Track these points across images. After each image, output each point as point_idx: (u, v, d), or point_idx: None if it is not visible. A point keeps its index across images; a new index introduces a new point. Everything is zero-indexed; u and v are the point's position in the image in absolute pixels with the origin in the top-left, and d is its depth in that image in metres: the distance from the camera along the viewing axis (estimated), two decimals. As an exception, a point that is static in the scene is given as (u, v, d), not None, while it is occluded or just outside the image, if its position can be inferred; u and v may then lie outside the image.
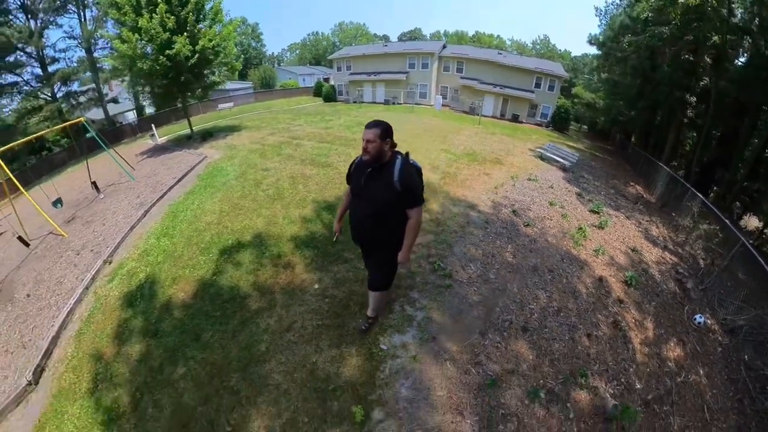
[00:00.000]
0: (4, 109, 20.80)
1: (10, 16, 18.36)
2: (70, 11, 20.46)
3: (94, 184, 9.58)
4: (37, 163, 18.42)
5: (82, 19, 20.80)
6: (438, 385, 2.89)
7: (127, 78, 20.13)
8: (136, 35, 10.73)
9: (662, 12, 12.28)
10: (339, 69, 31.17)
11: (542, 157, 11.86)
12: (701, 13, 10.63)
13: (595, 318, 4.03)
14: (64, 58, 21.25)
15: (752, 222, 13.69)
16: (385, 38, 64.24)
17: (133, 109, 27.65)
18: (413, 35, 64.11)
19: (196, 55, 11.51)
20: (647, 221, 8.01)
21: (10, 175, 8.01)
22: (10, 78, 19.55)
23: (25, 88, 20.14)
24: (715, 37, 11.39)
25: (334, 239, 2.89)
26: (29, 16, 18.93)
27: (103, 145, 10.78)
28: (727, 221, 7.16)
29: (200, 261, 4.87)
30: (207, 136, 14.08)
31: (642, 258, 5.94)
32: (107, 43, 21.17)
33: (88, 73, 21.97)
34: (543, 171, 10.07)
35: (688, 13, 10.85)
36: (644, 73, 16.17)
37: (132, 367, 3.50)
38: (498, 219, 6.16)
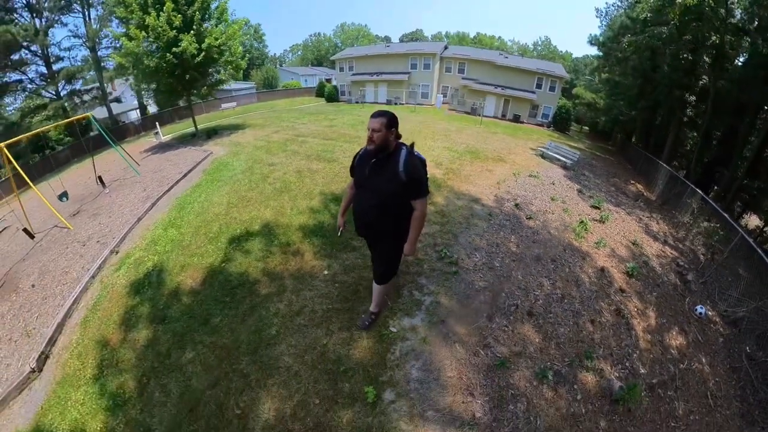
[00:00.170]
0: (7, 108, 20.88)
1: (15, 15, 18.53)
2: (75, 10, 20.62)
3: (99, 178, 9.68)
4: (40, 161, 18.54)
5: (87, 19, 20.97)
6: (448, 366, 2.95)
7: (131, 76, 20.37)
8: (144, 33, 10.85)
9: (661, 12, 12.42)
10: (341, 69, 31.34)
11: (543, 156, 11.97)
12: (699, 13, 10.75)
13: (598, 305, 4.11)
14: (69, 57, 21.49)
15: (753, 221, 13.79)
16: (387, 39, 64.53)
17: (136, 108, 27.79)
18: (414, 36, 64.40)
19: (203, 54, 11.65)
20: (648, 217, 8.09)
21: (18, 169, 8.13)
22: (14, 76, 19.71)
23: (29, 86, 20.26)
24: (714, 37, 11.51)
25: (339, 233, 2.90)
26: (34, 15, 19.09)
27: (110, 140, 10.89)
28: (725, 215, 7.25)
29: (209, 249, 4.93)
30: (212, 133, 14.19)
31: (643, 251, 6.02)
32: (111, 43, 21.39)
33: (92, 72, 22.13)
34: (544, 169, 10.17)
35: (687, 13, 10.97)
36: (644, 73, 16.30)
37: (139, 352, 3.52)
38: (501, 212, 6.25)
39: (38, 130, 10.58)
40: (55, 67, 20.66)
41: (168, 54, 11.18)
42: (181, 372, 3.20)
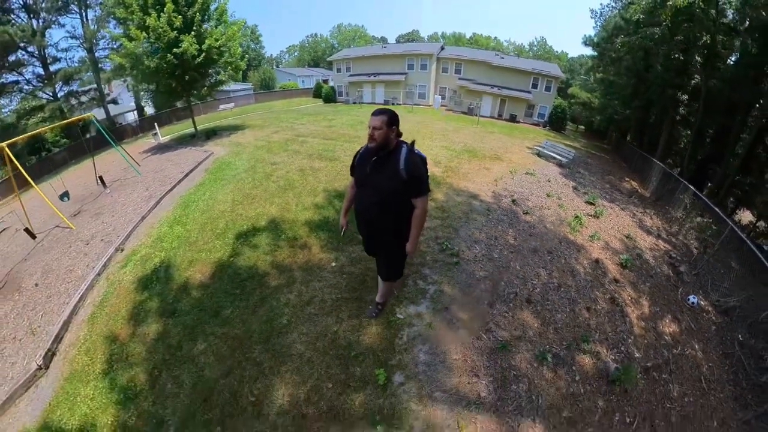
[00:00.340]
0: (3, 109, 20.73)
1: (12, 15, 18.48)
2: (73, 11, 20.60)
3: (100, 178, 9.68)
4: (37, 162, 18.48)
5: (85, 20, 20.96)
6: (453, 349, 3.11)
7: (129, 78, 20.35)
8: (144, 33, 10.92)
9: (653, 14, 12.69)
10: (339, 70, 31.46)
11: (539, 154, 12.19)
12: (690, 14, 11.02)
13: (593, 294, 4.30)
14: (66, 58, 21.40)
15: (746, 216, 14.10)
16: (383, 40, 64.75)
17: (133, 110, 27.75)
18: (411, 37, 64.69)
19: (203, 54, 11.74)
20: (641, 213, 8.32)
21: (21, 169, 8.09)
22: (11, 77, 19.60)
23: (26, 87, 20.14)
24: (705, 37, 11.80)
25: (342, 233, 2.91)
26: (31, 16, 19.04)
27: (111, 141, 10.95)
28: (716, 209, 7.48)
29: (216, 245, 5.04)
30: (211, 134, 14.26)
31: (636, 244, 6.23)
32: (108, 44, 21.40)
33: (89, 73, 22.08)
34: (540, 167, 10.38)
35: (678, 14, 11.22)
36: (638, 73, 16.61)
37: (149, 346, 3.54)
38: (499, 207, 6.44)
39: (40, 129, 10.62)
40: (52, 68, 20.59)
41: (169, 55, 11.25)
42: (193, 363, 3.25)
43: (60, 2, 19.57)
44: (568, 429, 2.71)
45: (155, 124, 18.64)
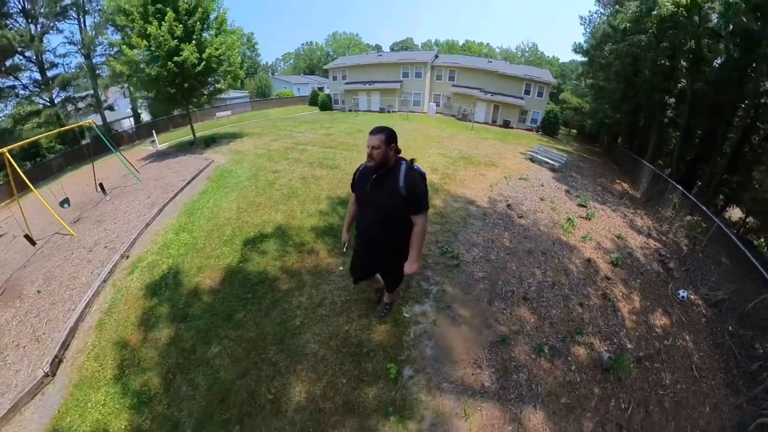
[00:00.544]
0: None
1: (10, 20, 18.52)
2: (71, 17, 20.71)
3: (100, 185, 9.68)
4: (32, 168, 18.37)
5: (83, 26, 21.10)
6: (457, 344, 3.33)
7: (126, 84, 20.45)
8: (145, 41, 11.11)
9: (639, 21, 13.24)
10: (335, 78, 31.92)
11: (533, 159, 12.56)
12: (675, 21, 11.53)
13: (585, 291, 4.55)
14: (63, 64, 21.39)
15: (735, 213, 14.52)
16: (378, 48, 65.72)
17: (130, 117, 27.81)
18: (405, 45, 65.70)
19: (203, 63, 11.97)
20: (632, 213, 8.65)
21: (21, 174, 7.89)
22: (8, 82, 19.49)
23: (22, 92, 20.03)
24: (691, 43, 12.31)
25: (344, 249, 2.92)
26: (29, 21, 19.11)
27: (111, 147, 11.05)
28: (702, 207, 7.81)
29: (224, 251, 5.18)
30: (210, 142, 14.43)
31: (627, 244, 6.52)
32: (105, 50, 21.57)
33: (86, 79, 22.15)
34: (534, 171, 10.71)
35: (663, 22, 11.74)
36: (626, 78, 17.18)
37: (161, 350, 3.57)
38: (494, 212, 6.71)
39: (43, 135, 10.67)
40: (49, 74, 20.61)
41: (169, 63, 11.44)
42: (208, 366, 3.30)
43: (58, 8, 19.70)
44: (567, 415, 2.92)
45: (153, 131, 18.75)
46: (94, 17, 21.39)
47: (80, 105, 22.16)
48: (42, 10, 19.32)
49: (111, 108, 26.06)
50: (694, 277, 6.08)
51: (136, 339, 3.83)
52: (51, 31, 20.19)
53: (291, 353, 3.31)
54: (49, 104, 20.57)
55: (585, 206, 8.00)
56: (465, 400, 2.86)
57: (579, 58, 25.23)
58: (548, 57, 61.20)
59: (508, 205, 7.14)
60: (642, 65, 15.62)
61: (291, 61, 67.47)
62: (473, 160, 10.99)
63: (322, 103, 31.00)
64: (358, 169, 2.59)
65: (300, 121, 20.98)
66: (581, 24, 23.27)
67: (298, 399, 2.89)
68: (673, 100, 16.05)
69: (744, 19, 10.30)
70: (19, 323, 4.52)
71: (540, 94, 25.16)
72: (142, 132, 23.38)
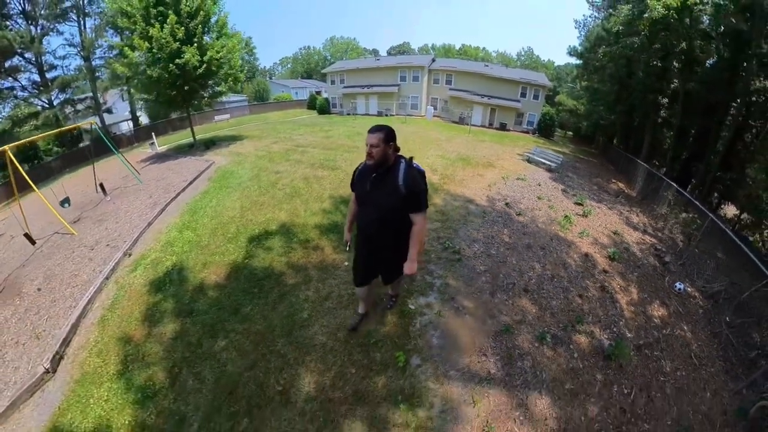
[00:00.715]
0: None
1: (10, 21, 18.52)
2: (71, 19, 20.77)
3: (101, 185, 9.66)
4: (29, 170, 18.29)
5: (83, 28, 21.19)
6: (462, 333, 3.41)
7: (125, 87, 20.46)
8: (147, 43, 11.21)
9: (632, 24, 13.54)
10: (333, 82, 32.15)
11: (530, 160, 12.74)
12: (666, 23, 11.82)
13: (584, 283, 4.67)
14: (62, 66, 21.42)
15: (730, 210, 14.76)
16: (375, 52, 66.23)
17: (128, 120, 27.82)
18: (402, 49, 66.36)
19: (204, 65, 12.08)
20: (628, 211, 8.81)
21: (23, 173, 7.92)
22: (7, 83, 19.42)
23: (20, 93, 19.97)
24: (683, 44, 12.60)
25: (347, 248, 2.96)
26: (30, 22, 19.15)
27: (113, 148, 11.09)
28: (696, 202, 7.97)
29: (229, 248, 5.23)
30: (210, 144, 14.51)
31: (623, 239, 6.65)
32: (105, 53, 21.66)
33: (85, 82, 22.18)
34: (531, 172, 10.88)
35: (655, 24, 12.02)
36: (620, 79, 17.50)
37: (166, 345, 3.54)
38: (493, 210, 6.84)
39: (43, 134, 10.64)
40: (48, 76, 20.61)
41: (171, 65, 11.52)
42: (215, 359, 3.29)
43: (59, 10, 19.77)
44: (572, 400, 3.00)
45: (152, 133, 18.78)
46: (94, 20, 21.50)
47: (79, 107, 22.19)
48: (42, 12, 19.38)
49: (109, 111, 26.05)
50: (690, 270, 6.22)
51: (140, 334, 3.80)
52: (51, 33, 20.26)
53: (299, 345, 3.35)
54: (47, 106, 20.57)
55: (581, 204, 8.15)
56: (472, 387, 2.94)
57: (574, 61, 25.69)
58: (544, 60, 62.01)
59: (507, 204, 7.27)
60: (635, 67, 15.93)
61: (289, 66, 67.88)
62: (471, 161, 11.14)
63: (321, 106, 31.19)
64: (357, 168, 2.59)
65: (299, 124, 21.12)
66: (576, 28, 23.71)
67: (308, 389, 2.92)
68: (666, 100, 16.34)
69: (733, 20, 10.59)
70: (18, 321, 4.45)
71: (536, 97, 25.50)
72: (140, 135, 23.41)
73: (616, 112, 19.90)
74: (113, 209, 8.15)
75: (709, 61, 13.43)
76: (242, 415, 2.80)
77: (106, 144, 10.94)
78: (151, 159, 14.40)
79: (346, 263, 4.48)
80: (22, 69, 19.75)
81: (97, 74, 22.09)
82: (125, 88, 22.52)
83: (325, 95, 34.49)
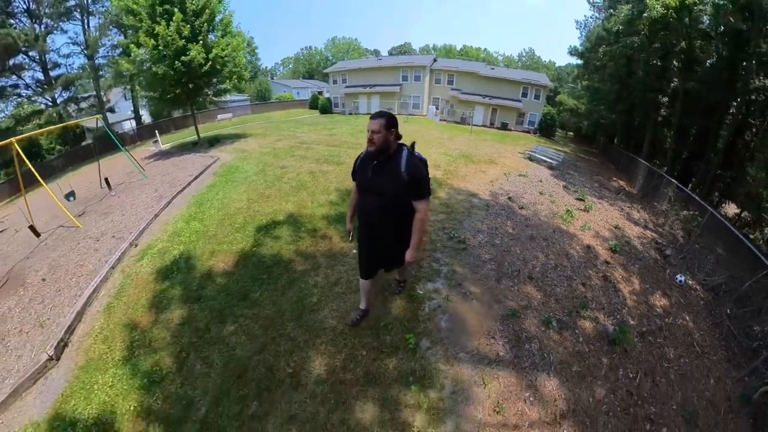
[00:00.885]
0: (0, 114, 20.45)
1: (15, 20, 18.65)
2: (75, 18, 20.91)
3: (106, 180, 9.74)
4: (25, 170, 18.28)
5: (86, 26, 21.31)
6: (470, 317, 3.48)
7: (132, 84, 20.55)
8: (152, 41, 11.31)
9: (632, 24, 13.65)
10: (335, 82, 32.28)
11: (531, 158, 12.84)
12: (666, 23, 11.93)
13: (587, 273, 4.75)
14: (66, 64, 21.62)
15: (731, 209, 14.84)
16: (377, 52, 66.41)
17: (131, 119, 27.96)
18: (403, 49, 66.58)
19: (209, 63, 12.18)
20: (629, 207, 8.90)
21: (29, 165, 7.95)
22: (10, 81, 19.57)
23: (24, 91, 20.13)
24: (682, 43, 12.70)
25: (350, 239, 2.94)
26: (34, 20, 19.28)
27: (118, 144, 11.19)
28: (696, 197, 8.06)
29: (237, 237, 5.27)
30: (214, 142, 14.60)
31: (624, 233, 6.74)
32: (108, 51, 21.79)
33: (89, 80, 22.30)
34: (532, 169, 11.00)
35: (655, 24, 12.13)
36: (620, 79, 17.60)
37: (174, 331, 3.53)
38: (497, 204, 6.93)
39: (50, 128, 10.70)
40: (52, 74, 20.79)
41: (176, 62, 11.63)
42: (223, 343, 3.28)
43: (63, 8, 19.92)
44: (580, 382, 3.06)
45: (156, 131, 18.88)
46: (98, 18, 21.65)
47: (82, 105, 22.33)
48: (46, 11, 19.54)
49: (112, 110, 26.25)
50: (691, 264, 6.29)
51: (147, 321, 3.79)
52: (55, 32, 20.51)
53: (309, 328, 3.36)
54: (51, 104, 20.68)
55: (583, 200, 8.23)
56: (482, 368, 2.99)
57: (575, 60, 25.83)
58: (545, 61, 62.20)
59: (509, 198, 7.36)
60: (635, 66, 16.04)
61: (290, 66, 68.10)
62: (474, 158, 11.24)
63: (323, 106, 31.31)
64: (359, 156, 2.57)
65: (302, 123, 21.22)
66: (577, 28, 23.91)
67: (318, 372, 2.93)
68: (666, 99, 16.45)
69: (731, 19, 10.69)
70: (22, 310, 4.44)
71: (537, 97, 25.63)
72: (143, 133, 23.51)
73: (616, 112, 20.00)
74: (118, 203, 8.18)
75: (709, 61, 13.52)
76: (252, 398, 2.80)
77: (110, 141, 11.05)
78: (155, 156, 14.47)
79: (355, 251, 4.54)
80: (27, 67, 19.92)
81: (100, 73, 22.22)
82: (128, 86, 22.62)
83: (327, 95, 34.62)
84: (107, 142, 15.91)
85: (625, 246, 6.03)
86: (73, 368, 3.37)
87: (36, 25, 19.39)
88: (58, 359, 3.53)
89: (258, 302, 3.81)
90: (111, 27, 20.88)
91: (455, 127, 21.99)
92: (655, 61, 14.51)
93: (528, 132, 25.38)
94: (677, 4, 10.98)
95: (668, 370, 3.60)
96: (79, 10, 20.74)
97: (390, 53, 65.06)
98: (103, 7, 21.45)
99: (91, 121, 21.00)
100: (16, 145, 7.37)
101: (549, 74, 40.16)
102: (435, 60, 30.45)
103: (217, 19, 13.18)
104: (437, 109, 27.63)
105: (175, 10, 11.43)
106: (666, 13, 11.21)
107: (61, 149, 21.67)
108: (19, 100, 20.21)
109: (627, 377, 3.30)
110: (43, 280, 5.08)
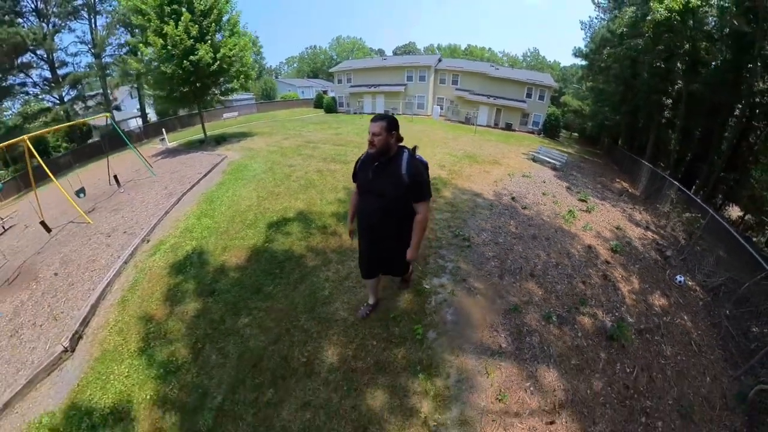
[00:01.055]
0: (6, 113, 20.56)
1: (23, 18, 18.96)
2: (82, 17, 21.21)
3: (115, 177, 9.92)
4: (36, 166, 18.55)
5: (94, 26, 21.63)
6: (474, 311, 3.64)
7: (135, 84, 20.77)
8: (161, 40, 11.51)
9: (636, 26, 13.68)
10: (340, 81, 32.44)
11: (535, 159, 12.94)
12: (670, 26, 11.97)
13: (587, 271, 4.88)
14: (73, 63, 21.95)
15: (735, 212, 14.85)
16: (381, 52, 66.57)
17: (137, 117, 28.30)
18: (408, 49, 66.61)
19: (217, 63, 12.38)
20: (631, 209, 8.99)
21: (40, 162, 8.12)
22: (18, 79, 19.87)
23: (32, 89, 20.42)
24: (687, 46, 12.73)
25: (351, 239, 3.01)
26: (41, 19, 19.59)
27: (126, 141, 11.42)
28: (698, 199, 8.14)
29: (248, 234, 5.44)
30: (220, 140, 14.81)
31: (625, 234, 6.86)
32: (115, 50, 22.07)
33: (96, 79, 22.60)
34: (536, 170, 11.10)
35: (659, 26, 12.17)
36: (625, 80, 17.61)
37: (189, 323, 3.63)
38: (500, 203, 7.07)
39: (61, 125, 10.91)
40: (59, 72, 21.07)
41: (185, 62, 11.83)
42: (238, 335, 3.41)
43: (70, 7, 20.21)
44: (578, 374, 3.21)
45: (163, 129, 19.14)
46: (105, 17, 21.94)
47: (90, 103, 22.63)
48: (54, 10, 19.84)
49: (118, 108, 26.56)
50: (691, 265, 6.39)
51: (162, 313, 3.88)
52: (63, 30, 20.78)
53: (321, 320, 3.51)
54: (58, 102, 20.99)
55: (585, 201, 8.34)
56: (485, 359, 3.15)
57: (579, 61, 25.77)
58: (550, 61, 62.00)
59: (513, 198, 7.50)
60: (640, 68, 16.05)
61: (295, 65, 68.31)
62: (478, 158, 11.38)
63: (327, 105, 31.47)
64: (359, 158, 2.59)
65: (307, 122, 21.41)
66: (582, 29, 23.86)
67: (331, 360, 3.06)
68: (670, 101, 16.46)
69: (736, 22, 10.73)
70: (35, 303, 4.55)
71: (541, 98, 25.65)
72: (149, 131, 23.81)
73: (620, 113, 20.00)
74: (128, 199, 8.33)
75: (714, 63, 13.52)
76: (267, 386, 2.92)
77: (117, 138, 11.27)
78: (162, 154, 14.71)
79: None
80: (34, 65, 20.21)
81: (107, 71, 22.52)
82: (135, 85, 22.88)
83: (331, 94, 34.78)
84: (114, 140, 16.14)
85: (625, 246, 6.16)
86: (88, 359, 3.47)
87: (44, 24, 19.71)
88: (73, 351, 3.62)
89: (271, 295, 3.94)
90: (118, 26, 21.14)
91: (459, 127, 22.10)
92: (659, 64, 14.53)
93: (532, 133, 25.42)
94: (680, 7, 11.03)
95: (665, 366, 3.72)
96: (86, 9, 21.03)
97: (394, 53, 65.15)
98: (110, 6, 21.76)
99: (96, 121, 21.31)
100: (28, 142, 7.55)
101: (554, 74, 40.13)
102: (440, 60, 30.52)
103: (225, 19, 13.37)
104: (442, 109, 27.73)
105: (183, 9, 11.63)
106: (669, 17, 11.26)
107: (68, 146, 21.98)
108: (27, 97, 20.50)
109: (624, 372, 3.44)
110: (56, 274, 5.20)
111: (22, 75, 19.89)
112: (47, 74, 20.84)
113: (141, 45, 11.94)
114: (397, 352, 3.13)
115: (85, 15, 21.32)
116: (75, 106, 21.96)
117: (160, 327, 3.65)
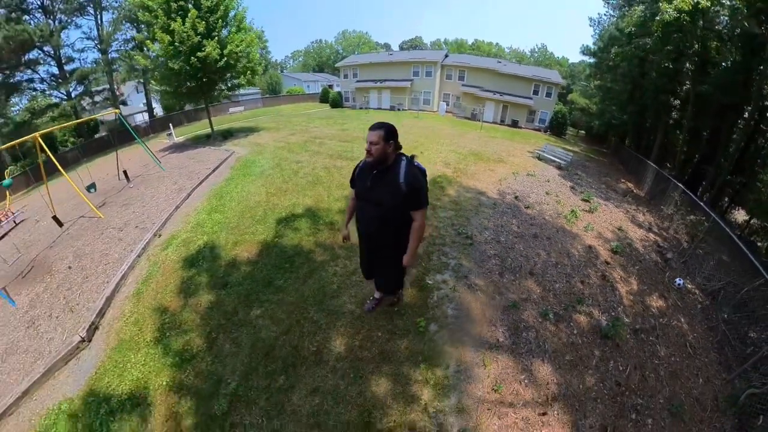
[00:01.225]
0: (13, 108, 20.72)
1: (29, 15, 19.07)
2: (88, 13, 21.35)
3: (125, 172, 10.12)
4: (46, 159, 18.82)
5: (100, 22, 21.77)
6: (474, 307, 3.82)
7: (142, 80, 20.95)
8: (168, 37, 11.66)
9: (645, 25, 13.52)
10: (346, 76, 32.41)
11: (540, 158, 12.96)
12: (679, 26, 11.84)
13: (586, 271, 5.02)
14: (80, 59, 22.15)
15: (740, 215, 14.77)
16: (387, 46, 66.09)
17: (143, 111, 28.57)
18: (414, 43, 66.01)
19: (224, 59, 12.52)
20: (635, 210, 9.04)
21: (52, 158, 8.33)
22: (26, 76, 20.06)
23: (39, 85, 20.63)
24: (696, 46, 12.60)
25: (344, 242, 3.09)
26: (48, 16, 19.75)
27: (135, 136, 11.67)
28: (701, 203, 8.17)
29: (258, 229, 5.64)
30: (227, 135, 15.01)
31: (627, 235, 6.95)
32: (121, 46, 22.26)
33: (102, 74, 22.81)
34: (541, 169, 11.15)
35: (668, 26, 12.03)
36: (633, 79, 17.44)
37: (203, 314, 3.79)
38: (503, 202, 7.20)
39: (72, 122, 11.17)
40: (66, 68, 21.24)
41: (192, 58, 11.99)
42: (251, 326, 3.58)
43: (76, 3, 20.34)
44: (571, 369, 3.37)
45: (170, 124, 19.35)
46: (111, 13, 22.09)
47: (97, 99, 22.89)
48: (60, 6, 19.99)
49: (124, 103, 26.78)
50: (692, 269, 6.46)
51: (176, 305, 4.03)
52: (69, 27, 20.88)
53: (330, 312, 3.70)
54: (66, 98, 21.24)
55: (588, 201, 8.42)
56: (483, 352, 3.33)
57: (587, 59, 25.46)
58: (558, 57, 61.12)
59: (516, 197, 7.61)
60: (648, 67, 15.90)
61: (300, 59, 68.04)
62: (483, 156, 11.45)
63: (333, 100, 31.48)
64: (357, 165, 2.59)
65: (313, 117, 21.53)
66: (591, 26, 23.56)
67: (339, 350, 3.24)
68: (678, 101, 16.31)
69: (746, 23, 10.61)
70: (51, 296, 4.67)
71: (548, 95, 25.45)
72: (156, 126, 24.07)
73: (628, 112, 19.82)
74: (138, 194, 8.49)
75: (723, 64, 13.36)
76: (279, 373, 3.10)
77: (124, 133, 11.48)
78: (170, 149, 14.92)
79: None
80: (42, 62, 20.40)
81: (113, 67, 22.72)
82: (141, 80, 23.08)
83: (337, 89, 34.77)
84: (121, 135, 16.38)
85: (626, 248, 6.26)
86: (105, 349, 3.62)
87: (50, 21, 19.84)
88: (89, 341, 3.77)
89: (282, 289, 4.14)
90: (124, 21, 21.28)
91: (465, 123, 22.07)
92: (667, 64, 14.39)
93: (538, 130, 25.28)
94: (690, 7, 10.91)
95: (658, 366, 3.83)
96: (92, 5, 21.16)
97: (401, 47, 64.64)
98: (116, 2, 21.88)
99: (107, 115, 21.45)
100: (40, 140, 7.75)
101: (561, 71, 39.66)
102: (446, 55, 30.34)
103: (231, 15, 13.46)
104: (447, 104, 27.65)
105: (190, 6, 11.75)
106: (679, 17, 11.15)
107: (74, 141, 22.29)
108: (34, 93, 20.74)
109: (617, 369, 3.58)
110: (69, 267, 5.34)
111: (29, 71, 20.10)
112: (54, 70, 21.07)
113: (148, 41, 12.09)
114: (401, 343, 3.32)
115: (92, 11, 21.47)
116: (82, 102, 22.21)
117: (175, 318, 3.81)
